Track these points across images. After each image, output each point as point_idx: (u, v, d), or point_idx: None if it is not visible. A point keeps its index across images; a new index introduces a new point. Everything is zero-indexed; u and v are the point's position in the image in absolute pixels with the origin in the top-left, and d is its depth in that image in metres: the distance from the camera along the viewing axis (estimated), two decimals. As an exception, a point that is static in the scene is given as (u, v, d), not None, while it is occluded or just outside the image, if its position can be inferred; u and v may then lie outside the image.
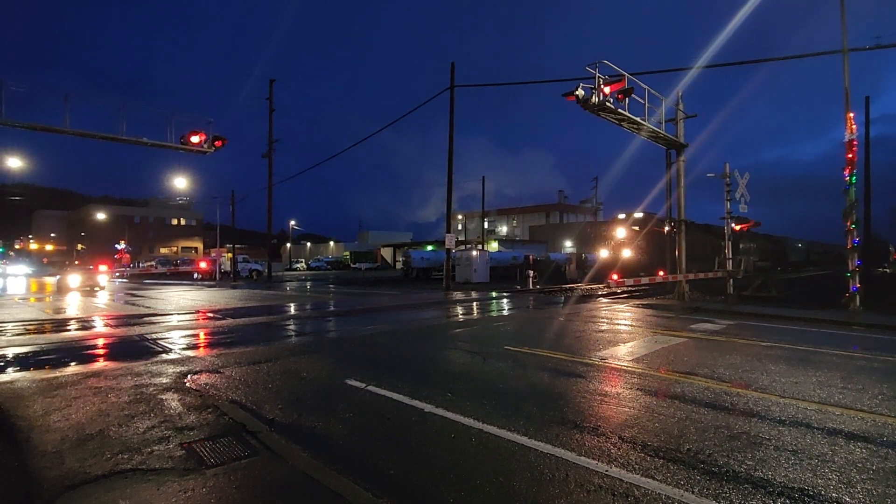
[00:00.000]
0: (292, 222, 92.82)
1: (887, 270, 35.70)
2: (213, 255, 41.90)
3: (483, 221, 57.93)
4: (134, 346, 8.95)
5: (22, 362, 7.53)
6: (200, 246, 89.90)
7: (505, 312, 15.14)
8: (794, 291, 20.91)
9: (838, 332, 10.57)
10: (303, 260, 77.72)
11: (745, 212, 17.43)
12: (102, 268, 32.23)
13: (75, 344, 9.28)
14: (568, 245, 59.74)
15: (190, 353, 8.31)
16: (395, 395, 5.55)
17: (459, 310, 15.72)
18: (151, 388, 5.84)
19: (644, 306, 15.93)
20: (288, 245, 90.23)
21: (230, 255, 45.08)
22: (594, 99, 13.02)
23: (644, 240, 28.40)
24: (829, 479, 3.45)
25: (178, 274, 46.95)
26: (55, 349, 8.68)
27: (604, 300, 18.58)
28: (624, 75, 13.75)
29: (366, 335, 10.27)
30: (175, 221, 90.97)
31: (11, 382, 6.15)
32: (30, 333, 10.57)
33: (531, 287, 25.49)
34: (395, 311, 15.55)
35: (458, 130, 24.79)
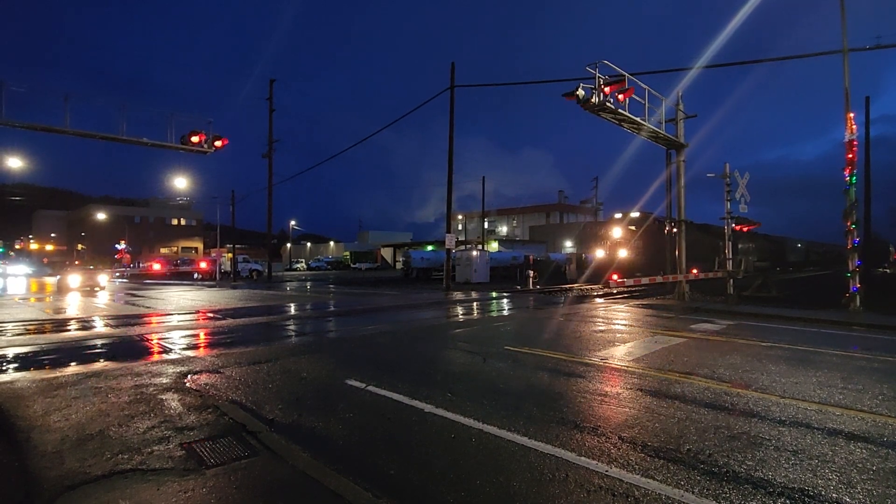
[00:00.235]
0: (292, 222, 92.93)
1: (887, 270, 35.69)
2: (213, 255, 41.89)
3: (483, 221, 57.92)
4: (134, 346, 8.95)
5: (22, 362, 7.53)
6: (201, 246, 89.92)
7: (505, 312, 15.14)
8: (794, 291, 20.90)
9: (838, 333, 10.57)
10: (303, 260, 77.72)
11: (746, 212, 17.44)
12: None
13: (75, 344, 9.29)
14: (568, 245, 59.74)
15: (190, 353, 8.31)
16: (396, 395, 5.55)
17: (459, 310, 15.72)
18: (151, 389, 5.84)
19: (644, 306, 15.92)
20: (288, 245, 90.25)
21: (230, 255, 45.10)
22: (594, 99, 13.02)
23: (641, 240, 28.21)
24: (830, 479, 3.45)
25: (178, 274, 46.96)
26: (55, 349, 8.68)
27: (604, 300, 18.58)
28: (624, 75, 13.75)
29: (366, 335, 10.27)
30: (175, 221, 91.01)
31: (12, 382, 6.15)
32: (30, 333, 10.57)
33: (531, 287, 25.49)
34: (396, 311, 15.55)
35: (458, 130, 24.79)
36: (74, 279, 25.76)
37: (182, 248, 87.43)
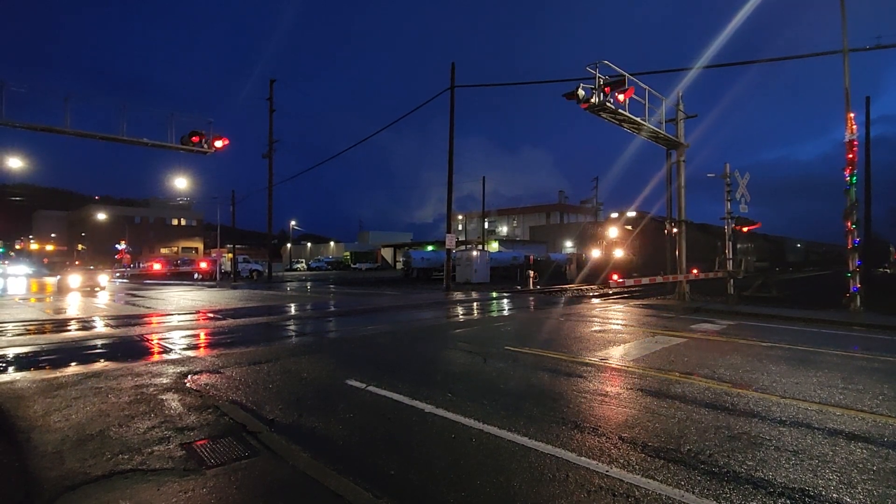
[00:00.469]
0: (293, 223, 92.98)
1: (888, 271, 35.70)
2: (213, 255, 41.91)
3: (483, 222, 57.92)
4: (134, 347, 8.95)
5: (22, 362, 7.53)
6: (201, 246, 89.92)
7: (505, 313, 15.14)
8: (794, 292, 20.90)
9: (839, 333, 10.56)
10: (303, 260, 77.72)
11: (746, 212, 17.43)
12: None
13: (76, 344, 9.29)
14: (568, 245, 59.73)
15: (190, 353, 8.31)
16: (396, 396, 5.55)
17: (460, 310, 15.71)
18: (152, 389, 5.84)
19: (644, 306, 15.92)
20: (288, 245, 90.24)
21: (230, 255, 45.09)
22: (594, 99, 13.02)
23: (638, 239, 27.97)
24: (830, 479, 3.45)
25: (178, 274, 46.97)
26: (56, 349, 8.69)
27: (604, 301, 18.57)
28: (624, 75, 13.74)
29: (366, 335, 10.26)
30: (175, 222, 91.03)
31: (12, 382, 6.15)
32: (30, 334, 10.57)
33: (531, 287, 25.48)
34: (396, 311, 15.55)
35: (458, 131, 24.80)
36: (74, 279, 25.76)
37: (182, 248, 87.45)
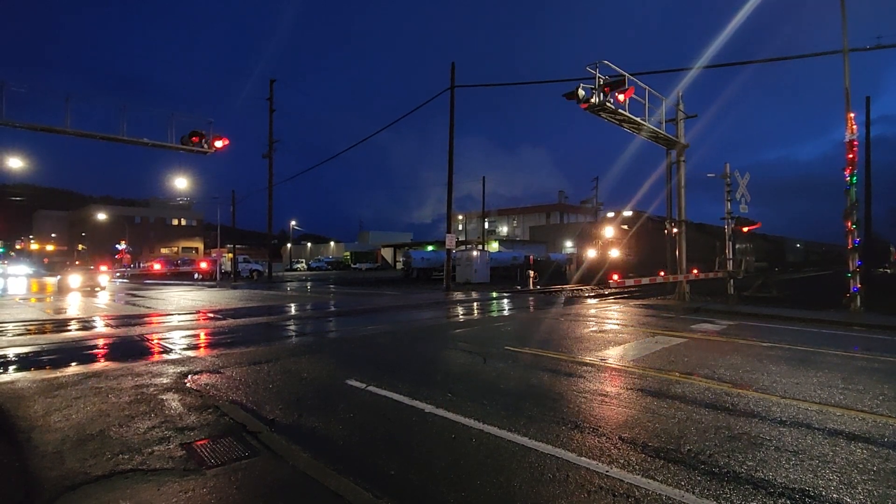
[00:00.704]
0: (293, 223, 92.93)
1: (888, 271, 35.70)
2: (213, 255, 41.93)
3: (483, 222, 57.91)
4: (134, 347, 8.95)
5: (23, 362, 7.54)
6: (201, 246, 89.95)
7: (505, 313, 15.14)
8: (794, 292, 20.89)
9: (839, 333, 10.56)
10: (303, 260, 77.73)
11: (746, 212, 17.42)
12: (103, 268, 32.25)
13: (76, 344, 9.29)
14: (568, 245, 59.64)
15: (190, 353, 8.31)
16: (396, 396, 5.55)
17: (460, 310, 15.71)
18: (152, 389, 5.84)
19: (644, 307, 15.92)
20: (288, 245, 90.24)
21: (231, 255, 45.09)
22: (594, 99, 13.02)
23: (634, 239, 27.69)
24: (830, 479, 3.45)
25: (178, 274, 46.98)
26: (56, 349, 8.69)
27: (604, 301, 18.57)
28: (624, 75, 13.74)
29: (366, 335, 10.27)
30: (176, 222, 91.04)
31: (12, 382, 6.16)
32: (31, 334, 10.58)
33: (532, 287, 25.48)
34: (396, 311, 15.55)
35: (458, 131, 24.80)
36: (75, 279, 25.77)
37: (182, 248, 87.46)
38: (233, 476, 3.51)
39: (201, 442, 4.13)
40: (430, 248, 52.17)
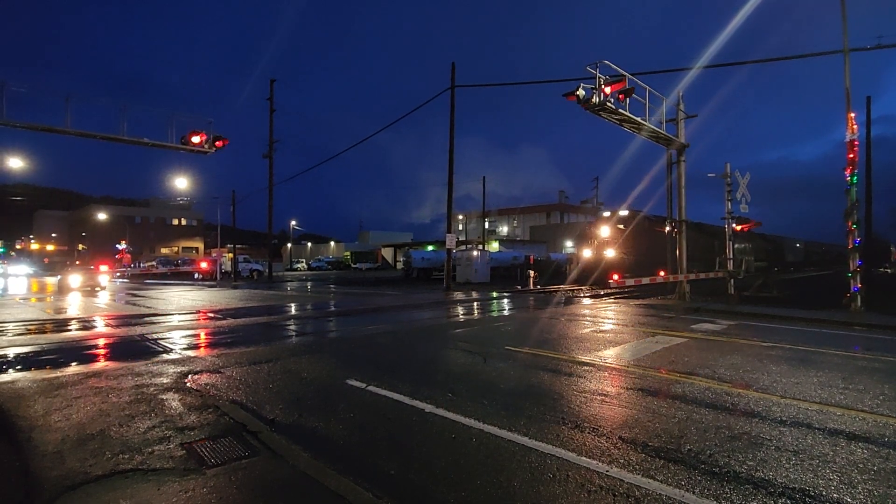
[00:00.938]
0: (293, 222, 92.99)
1: (888, 271, 35.71)
2: (213, 255, 41.94)
3: (483, 221, 57.88)
4: (135, 346, 8.95)
5: (23, 362, 7.54)
6: (201, 246, 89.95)
7: (505, 312, 15.13)
8: (794, 292, 20.88)
9: (839, 333, 10.56)
10: (303, 260, 77.72)
11: (746, 212, 17.41)
12: (103, 268, 32.28)
13: (76, 344, 9.29)
14: (569, 245, 59.61)
15: (191, 353, 8.31)
16: (396, 395, 5.55)
17: (460, 310, 15.71)
18: (152, 388, 5.84)
19: (644, 306, 15.91)
20: (289, 245, 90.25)
21: (231, 255, 45.12)
22: (595, 99, 13.01)
23: (630, 238, 27.50)
24: (831, 479, 3.45)
25: (178, 274, 46.99)
26: (56, 349, 8.69)
27: (604, 301, 18.56)
28: (624, 75, 13.74)
29: (366, 335, 10.27)
30: (176, 222, 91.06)
31: (13, 382, 6.16)
32: (31, 333, 10.58)
33: (532, 287, 25.47)
34: (396, 311, 15.54)
35: (458, 130, 24.77)
36: (75, 279, 25.78)
37: (183, 248, 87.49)
38: (233, 476, 3.51)
39: (201, 442, 4.13)
40: (430, 247, 52.16)
